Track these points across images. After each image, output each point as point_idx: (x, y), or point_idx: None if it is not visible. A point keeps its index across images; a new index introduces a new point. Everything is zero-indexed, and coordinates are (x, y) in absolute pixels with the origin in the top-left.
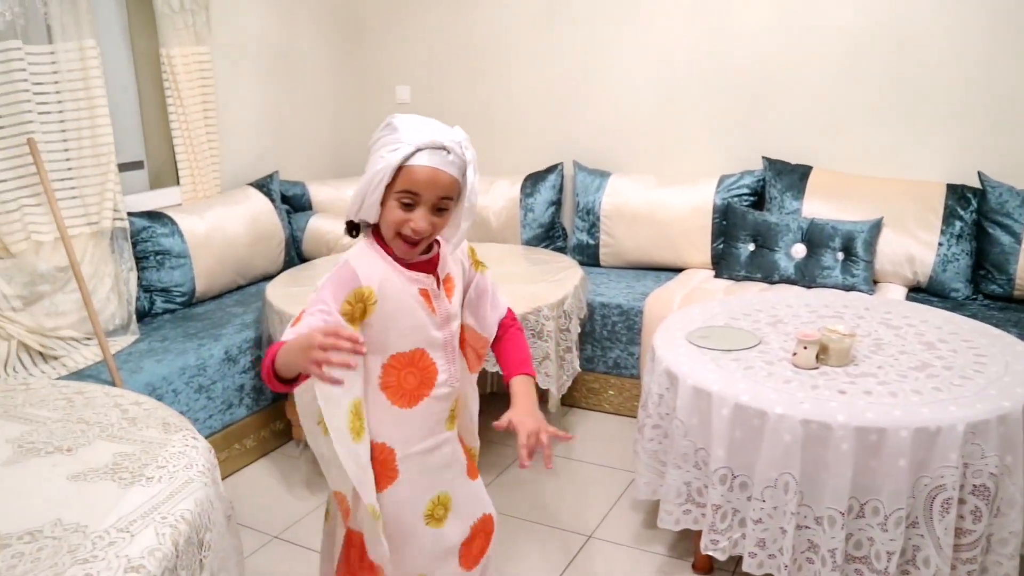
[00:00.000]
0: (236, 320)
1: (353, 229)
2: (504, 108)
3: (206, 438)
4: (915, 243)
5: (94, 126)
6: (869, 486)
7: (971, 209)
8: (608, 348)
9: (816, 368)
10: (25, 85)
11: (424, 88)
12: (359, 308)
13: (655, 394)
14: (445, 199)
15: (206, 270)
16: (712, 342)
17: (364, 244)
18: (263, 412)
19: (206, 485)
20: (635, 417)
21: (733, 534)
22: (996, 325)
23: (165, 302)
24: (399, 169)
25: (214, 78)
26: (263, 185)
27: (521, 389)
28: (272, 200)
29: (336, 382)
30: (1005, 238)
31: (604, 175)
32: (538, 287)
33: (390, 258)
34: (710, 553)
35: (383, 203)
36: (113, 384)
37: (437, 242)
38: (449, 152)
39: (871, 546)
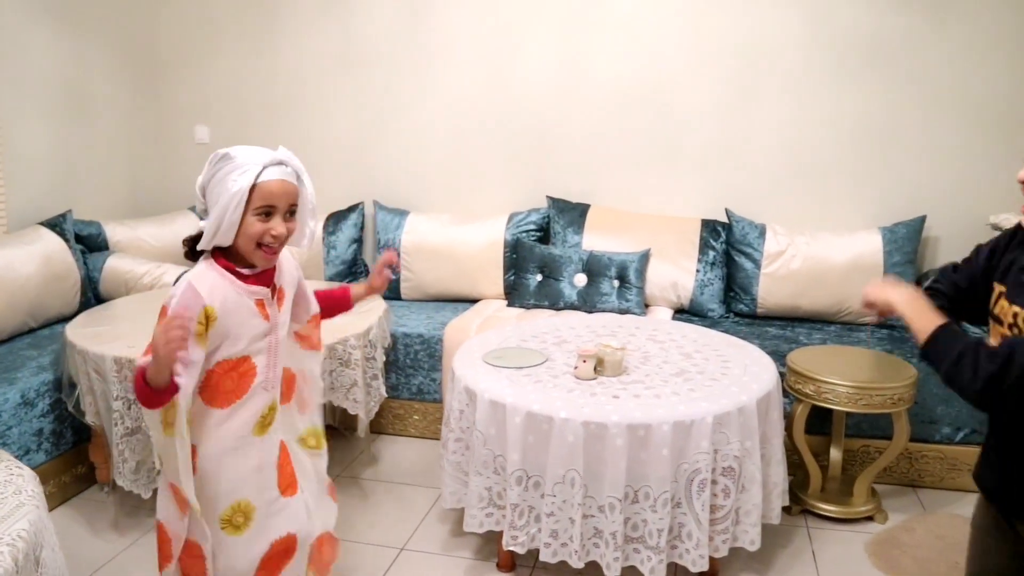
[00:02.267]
0: (31, 363)
1: (194, 253)
2: (305, 148)
3: None
4: (678, 270)
5: None
6: (640, 474)
7: (721, 240)
8: (411, 375)
9: (595, 378)
10: None
11: (223, 128)
12: (203, 327)
13: (456, 410)
14: (293, 205)
15: None
16: (505, 361)
17: (203, 266)
18: (63, 456)
19: (37, 508)
20: (439, 439)
21: (530, 529)
22: (743, 337)
23: None
24: (251, 188)
25: None
26: (56, 224)
27: (357, 286)
28: (66, 240)
29: (188, 363)
30: (748, 264)
31: (403, 213)
32: (344, 319)
33: (229, 275)
34: (511, 549)
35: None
36: None
37: None
38: (287, 164)
39: (645, 527)
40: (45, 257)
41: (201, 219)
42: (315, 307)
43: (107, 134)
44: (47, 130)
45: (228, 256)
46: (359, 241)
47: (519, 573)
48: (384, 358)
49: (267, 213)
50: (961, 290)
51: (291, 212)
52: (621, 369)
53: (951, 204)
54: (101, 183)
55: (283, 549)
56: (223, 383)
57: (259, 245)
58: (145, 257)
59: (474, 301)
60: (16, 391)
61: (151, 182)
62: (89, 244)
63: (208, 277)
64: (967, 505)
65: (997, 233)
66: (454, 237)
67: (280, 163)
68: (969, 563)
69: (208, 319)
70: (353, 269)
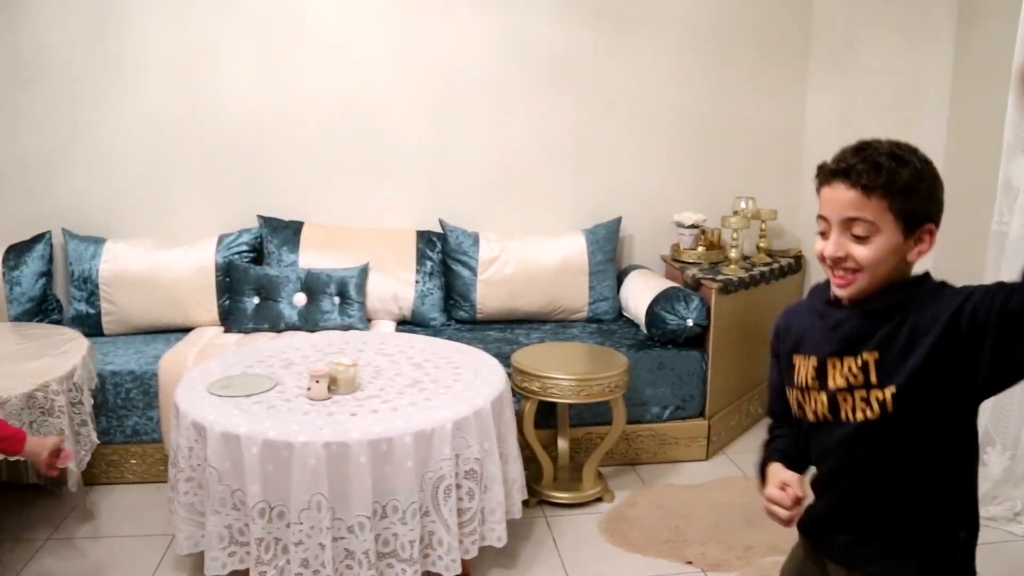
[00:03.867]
0: None
1: None
2: None
3: None
4: (398, 282)
5: None
6: (387, 489)
7: (437, 250)
8: (124, 417)
9: (329, 398)
10: None
11: None
12: None
13: (184, 448)
14: None
15: None
16: (233, 390)
17: None
18: None
19: None
20: (164, 481)
21: (279, 562)
22: (467, 343)
23: None
24: None
25: None
26: None
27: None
28: None
29: None
30: (465, 272)
31: (99, 241)
32: (42, 362)
33: None
34: None
35: None
36: None
37: None
38: None
39: (396, 540)
40: None
41: None
42: None
43: None
44: None
45: None
46: (48, 274)
47: None
48: (92, 401)
49: None
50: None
51: None
52: (355, 386)
53: (641, 205)
54: None
55: None
56: None
57: None
58: None
59: (187, 330)
60: None
61: None
62: None
63: None
64: (678, 475)
65: (681, 230)
66: (159, 263)
67: None
68: None
69: None
70: (43, 306)
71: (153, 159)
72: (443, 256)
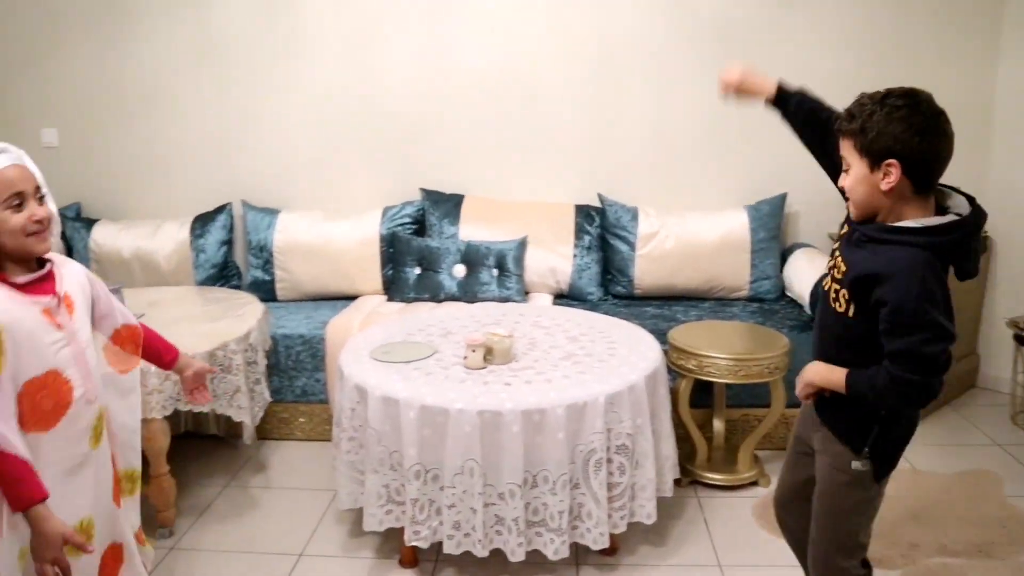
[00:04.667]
0: None
1: None
2: (164, 150)
3: None
4: (555, 256)
5: None
6: (538, 459)
7: (596, 225)
8: (294, 377)
9: (484, 367)
10: None
11: (74, 131)
12: None
13: (347, 409)
14: (37, 187)
15: None
16: (394, 356)
17: None
18: None
19: None
20: (328, 440)
21: (432, 523)
22: (624, 319)
23: None
24: None
25: None
26: None
27: (185, 359)
28: None
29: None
30: (623, 247)
31: (273, 212)
32: (221, 324)
33: (5, 285)
34: (414, 544)
35: None
36: None
37: (50, 260)
38: (8, 151)
39: (546, 510)
40: None
41: None
42: (122, 320)
43: None
44: None
45: None
46: (229, 243)
47: (422, 568)
48: (266, 361)
49: (19, 204)
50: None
51: (39, 198)
52: (510, 356)
53: (808, 180)
54: None
55: (114, 557)
56: (40, 404)
57: (27, 234)
58: None
59: (353, 298)
60: None
61: None
62: None
63: None
64: None
65: None
66: (328, 234)
67: (2, 151)
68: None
69: None
70: (225, 272)
71: (323, 135)
72: (601, 231)
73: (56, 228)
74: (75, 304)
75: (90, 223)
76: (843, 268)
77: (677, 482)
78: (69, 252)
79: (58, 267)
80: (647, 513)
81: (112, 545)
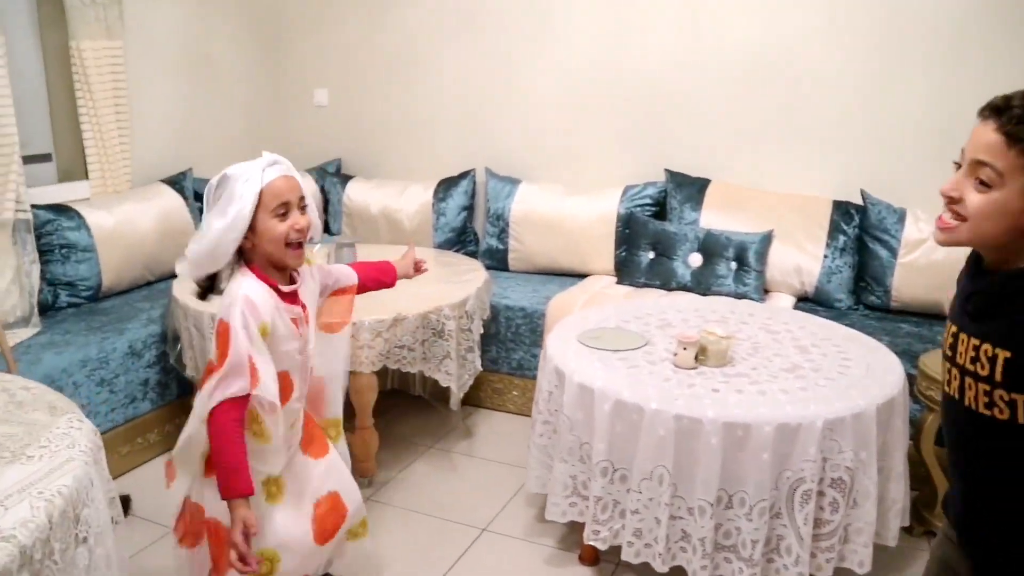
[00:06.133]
0: (143, 315)
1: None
2: (419, 114)
3: (107, 431)
4: (802, 255)
5: None
6: (736, 478)
7: (854, 224)
8: (512, 350)
9: (695, 368)
10: None
11: (341, 92)
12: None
13: (545, 391)
14: (302, 198)
15: (113, 265)
16: (601, 343)
17: (251, 279)
18: (168, 407)
19: (87, 464)
20: None
21: (614, 524)
22: (871, 334)
23: (70, 296)
24: (259, 195)
25: (126, 72)
26: (176, 182)
27: (401, 265)
28: (185, 197)
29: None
30: (883, 253)
31: (515, 182)
32: (441, 287)
33: (272, 290)
34: (592, 543)
35: (254, 229)
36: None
37: (298, 272)
38: (280, 163)
39: (738, 535)
40: (164, 213)
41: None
42: (338, 283)
43: (229, 96)
44: (173, 92)
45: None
46: (469, 209)
47: (601, 568)
48: (482, 330)
49: (284, 212)
50: None
51: (302, 207)
52: (726, 360)
53: None
54: (222, 143)
55: (332, 508)
56: None
57: (287, 244)
58: None
59: (583, 276)
60: (125, 341)
61: (270, 144)
62: None
63: (260, 291)
64: None
65: None
66: (565, 208)
67: (276, 162)
68: None
69: (263, 335)
70: (462, 237)
71: (569, 109)
72: (860, 231)
73: (315, 234)
74: (310, 314)
75: (346, 179)
76: (988, 352)
77: (907, 530)
78: (325, 205)
79: (302, 277)
80: (859, 561)
81: (330, 494)
